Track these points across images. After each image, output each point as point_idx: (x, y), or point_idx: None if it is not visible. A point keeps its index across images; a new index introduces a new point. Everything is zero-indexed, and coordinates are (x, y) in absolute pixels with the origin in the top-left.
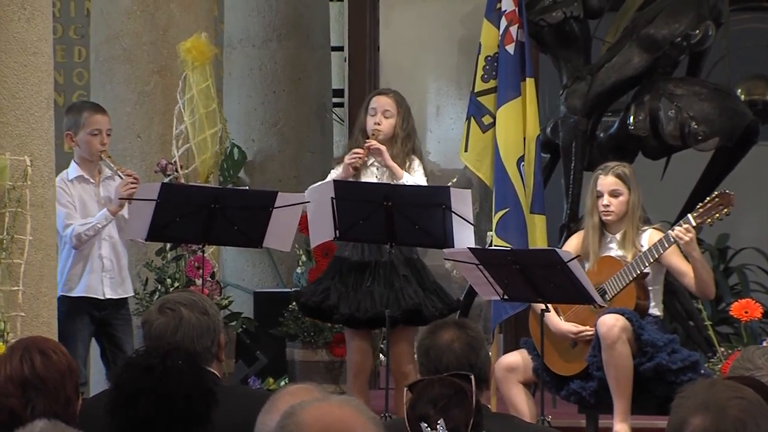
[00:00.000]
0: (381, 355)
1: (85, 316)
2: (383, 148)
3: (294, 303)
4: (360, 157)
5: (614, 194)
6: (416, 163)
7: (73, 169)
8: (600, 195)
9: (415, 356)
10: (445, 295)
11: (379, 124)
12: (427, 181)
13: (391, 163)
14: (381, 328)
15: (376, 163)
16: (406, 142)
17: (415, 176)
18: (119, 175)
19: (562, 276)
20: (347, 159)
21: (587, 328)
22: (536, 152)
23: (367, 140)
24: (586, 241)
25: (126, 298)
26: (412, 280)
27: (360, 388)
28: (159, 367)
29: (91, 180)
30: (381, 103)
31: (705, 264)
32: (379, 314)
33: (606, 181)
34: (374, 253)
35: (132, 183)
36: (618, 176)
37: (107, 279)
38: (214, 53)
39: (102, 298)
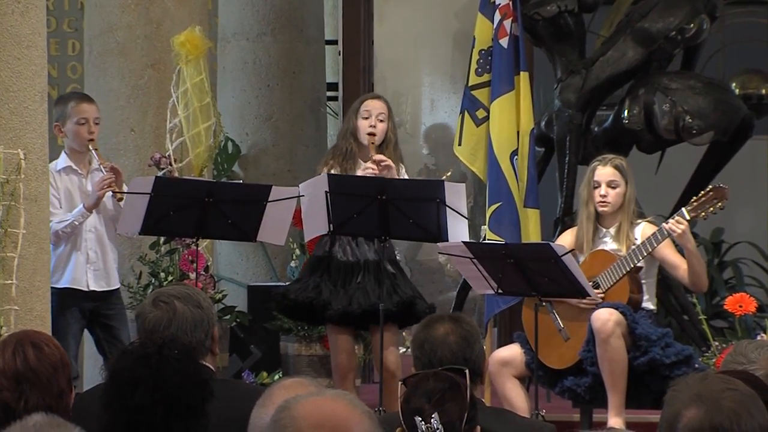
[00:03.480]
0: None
1: (74, 309)
2: (393, 165)
3: (276, 303)
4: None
5: (611, 185)
6: (403, 171)
7: (62, 160)
8: (597, 185)
9: (409, 351)
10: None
11: (374, 127)
12: None
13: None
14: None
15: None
16: (396, 147)
17: None
18: (101, 170)
19: (556, 270)
20: (360, 173)
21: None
22: (530, 146)
23: (377, 156)
24: (580, 233)
25: (114, 289)
26: (400, 277)
27: (348, 389)
28: (155, 356)
29: (80, 171)
30: (375, 107)
31: (699, 257)
32: (374, 307)
33: (604, 171)
34: (362, 252)
35: (109, 180)
36: (616, 167)
37: (91, 271)
38: (208, 47)
39: (86, 289)
